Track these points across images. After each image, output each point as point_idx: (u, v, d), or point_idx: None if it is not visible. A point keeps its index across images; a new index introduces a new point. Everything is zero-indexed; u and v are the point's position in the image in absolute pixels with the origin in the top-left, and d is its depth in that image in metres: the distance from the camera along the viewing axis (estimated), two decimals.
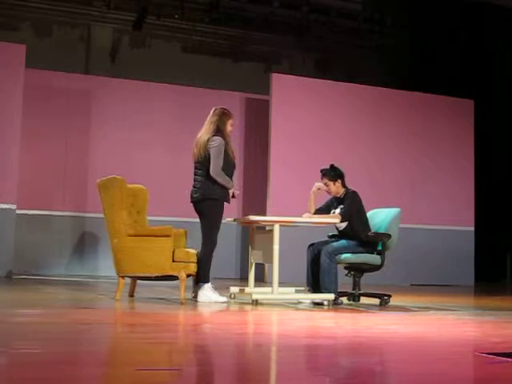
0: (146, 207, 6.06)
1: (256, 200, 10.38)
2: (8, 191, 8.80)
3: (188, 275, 5.84)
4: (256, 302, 5.78)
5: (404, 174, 10.74)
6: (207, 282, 5.87)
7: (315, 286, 6.14)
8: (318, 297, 6.03)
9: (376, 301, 6.13)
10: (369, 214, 6.38)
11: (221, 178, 5.94)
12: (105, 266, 9.51)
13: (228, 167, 6.04)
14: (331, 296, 5.87)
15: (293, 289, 6.55)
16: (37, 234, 9.57)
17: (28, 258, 9.43)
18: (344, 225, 6.20)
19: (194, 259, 5.85)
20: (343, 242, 6.12)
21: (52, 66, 10.10)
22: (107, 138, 9.99)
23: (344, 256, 6.01)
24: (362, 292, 6.24)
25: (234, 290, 6.37)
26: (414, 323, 4.99)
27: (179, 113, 10.33)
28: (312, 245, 6.28)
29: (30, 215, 9.52)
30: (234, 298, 6.27)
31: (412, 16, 12.82)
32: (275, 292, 5.84)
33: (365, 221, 6.24)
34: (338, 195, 6.31)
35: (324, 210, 6.37)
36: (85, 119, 9.96)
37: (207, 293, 5.85)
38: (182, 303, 5.64)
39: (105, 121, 10.02)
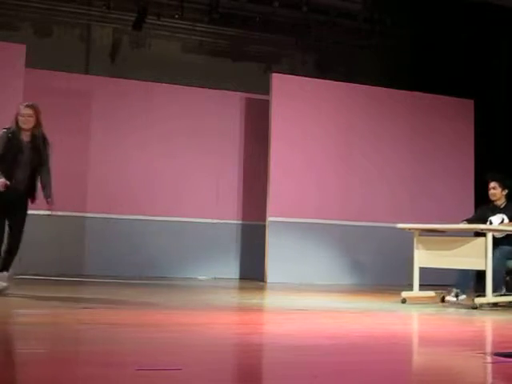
0: None
1: (256, 200, 10.36)
2: None
3: None
4: (478, 307, 5.97)
5: (404, 174, 10.73)
6: None
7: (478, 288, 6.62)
8: None
9: None
10: None
11: None
12: (104, 266, 9.52)
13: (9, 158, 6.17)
14: None
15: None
16: (37, 233, 9.56)
17: (28, 258, 9.41)
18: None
19: None
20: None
21: (52, 66, 10.08)
22: (107, 138, 9.97)
23: None
24: None
25: (406, 294, 6.57)
26: (414, 323, 4.99)
27: (179, 113, 10.32)
28: None
29: (30, 215, 9.50)
30: (405, 302, 6.40)
31: (412, 16, 12.80)
32: (489, 295, 6.12)
33: None
34: (498, 203, 6.86)
35: (475, 220, 6.80)
36: (85, 119, 9.94)
37: None
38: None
39: (105, 121, 10.00)
